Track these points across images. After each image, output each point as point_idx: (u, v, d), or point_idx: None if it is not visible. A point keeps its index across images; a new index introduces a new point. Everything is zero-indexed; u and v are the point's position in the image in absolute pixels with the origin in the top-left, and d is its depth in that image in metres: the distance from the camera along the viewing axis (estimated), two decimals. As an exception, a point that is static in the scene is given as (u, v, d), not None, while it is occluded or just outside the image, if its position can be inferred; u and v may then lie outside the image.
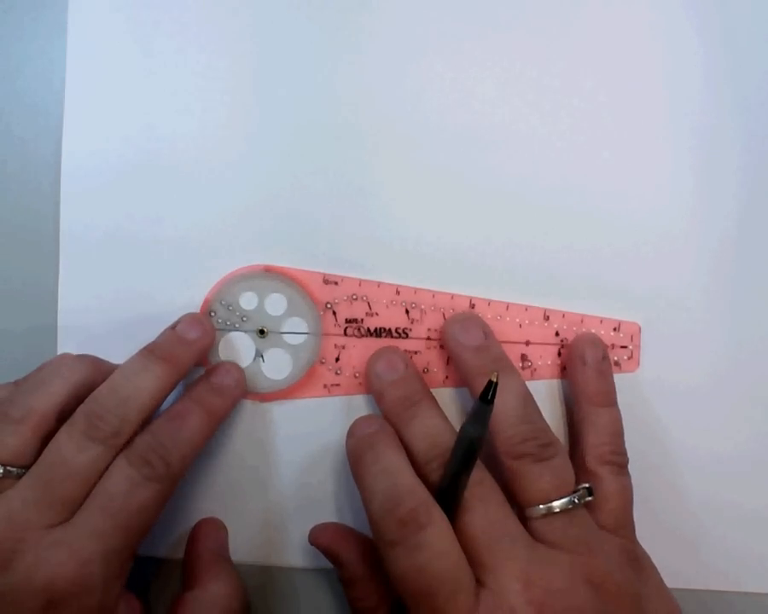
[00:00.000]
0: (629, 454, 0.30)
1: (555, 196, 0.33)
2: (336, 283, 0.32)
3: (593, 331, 0.32)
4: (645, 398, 0.32)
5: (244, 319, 0.32)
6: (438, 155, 0.32)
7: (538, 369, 0.32)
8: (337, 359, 0.32)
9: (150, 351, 0.29)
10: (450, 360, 0.32)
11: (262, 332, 0.32)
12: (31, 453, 0.26)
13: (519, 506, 0.28)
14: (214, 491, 0.32)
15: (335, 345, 0.32)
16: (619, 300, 0.33)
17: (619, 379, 0.31)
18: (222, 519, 0.32)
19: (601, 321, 0.33)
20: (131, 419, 0.27)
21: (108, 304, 0.32)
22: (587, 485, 0.28)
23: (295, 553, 0.32)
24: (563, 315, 0.33)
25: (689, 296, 0.33)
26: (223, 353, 0.32)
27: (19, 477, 0.26)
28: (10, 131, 0.33)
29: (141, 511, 0.26)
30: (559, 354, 0.32)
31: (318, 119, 0.32)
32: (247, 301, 0.32)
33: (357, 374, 0.32)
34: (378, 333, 0.32)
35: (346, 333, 0.32)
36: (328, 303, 0.32)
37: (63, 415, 0.27)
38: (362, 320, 0.32)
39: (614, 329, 0.33)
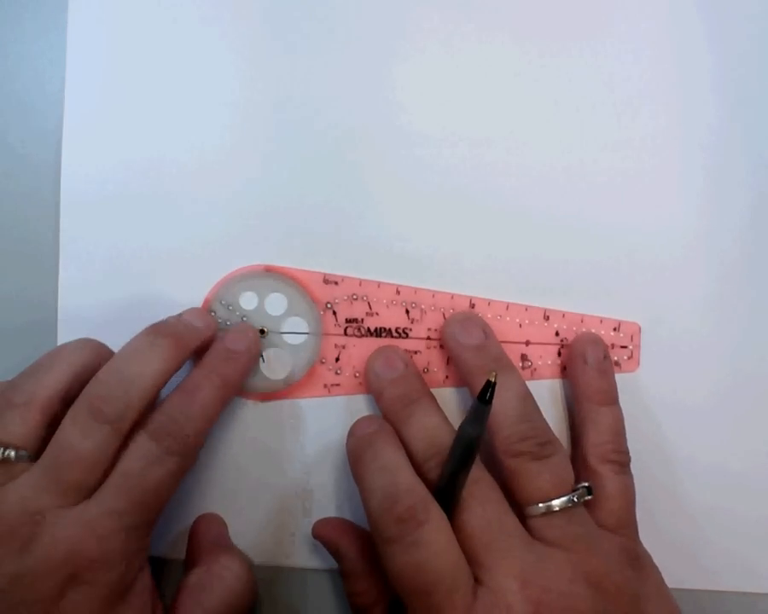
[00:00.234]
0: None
1: (556, 197, 0.32)
2: (336, 283, 0.32)
3: (593, 331, 0.32)
4: (645, 398, 0.32)
5: (244, 319, 0.32)
6: (438, 156, 0.32)
7: (538, 369, 0.32)
8: (337, 359, 0.32)
9: (155, 330, 0.28)
10: (450, 360, 0.32)
11: (262, 332, 0.32)
12: (38, 437, 0.26)
13: (518, 504, 0.28)
14: (214, 491, 0.32)
15: (335, 345, 0.32)
16: (619, 300, 0.33)
17: (619, 379, 0.31)
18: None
19: (601, 321, 0.33)
20: (136, 399, 0.26)
21: (108, 304, 0.32)
22: (586, 484, 0.28)
23: (296, 553, 0.32)
24: (563, 315, 0.33)
25: (689, 296, 0.33)
26: (223, 353, 0.32)
27: (30, 460, 0.26)
28: (8, 132, 0.33)
29: (159, 486, 0.26)
30: (559, 354, 0.32)
31: (318, 120, 0.32)
32: (247, 301, 0.32)
33: (357, 374, 0.32)
34: (378, 332, 0.32)
35: (346, 333, 0.32)
36: (328, 302, 0.32)
37: (68, 399, 0.27)
38: (362, 320, 0.32)
39: (614, 329, 0.33)
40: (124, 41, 0.32)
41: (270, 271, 0.32)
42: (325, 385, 0.32)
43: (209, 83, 0.32)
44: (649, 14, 0.33)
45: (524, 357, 0.32)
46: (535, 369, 0.32)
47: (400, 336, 0.32)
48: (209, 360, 0.29)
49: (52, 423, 0.26)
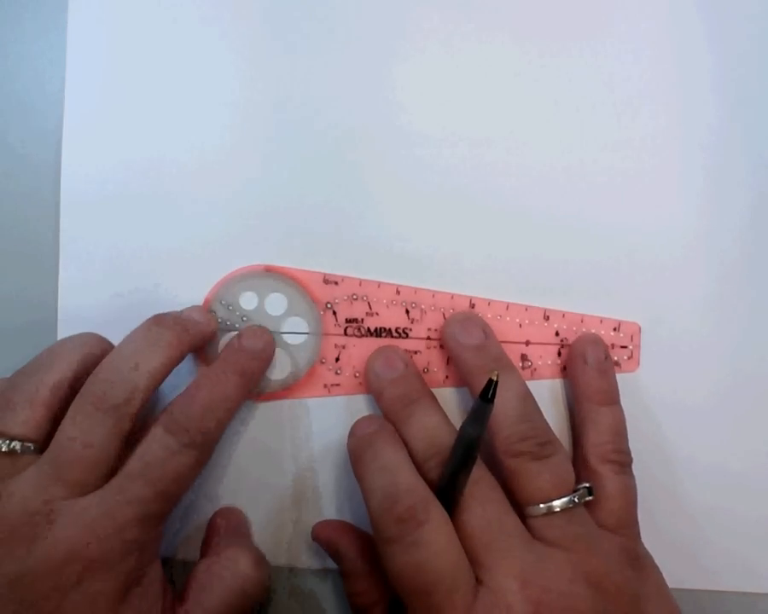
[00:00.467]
0: (628, 454, 0.30)
1: (556, 197, 0.33)
2: (336, 283, 0.32)
3: (593, 331, 0.32)
4: (645, 398, 0.32)
5: (244, 319, 0.32)
6: (438, 156, 0.32)
7: (538, 369, 0.32)
8: (337, 359, 0.32)
9: (157, 321, 0.28)
10: (450, 360, 0.32)
11: (262, 331, 0.32)
12: (43, 430, 0.26)
13: (518, 504, 0.28)
14: (214, 491, 0.32)
15: (335, 345, 0.32)
16: (619, 300, 0.33)
17: (619, 379, 0.31)
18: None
19: (601, 321, 0.33)
20: (142, 386, 0.26)
21: (108, 304, 0.32)
22: (587, 485, 0.28)
23: (297, 553, 0.32)
24: (563, 315, 0.33)
25: (689, 296, 0.33)
26: (223, 353, 0.32)
27: (38, 453, 0.26)
28: (8, 132, 0.33)
29: (178, 477, 0.26)
30: (559, 354, 0.32)
31: (318, 121, 0.32)
32: (247, 301, 0.32)
33: (357, 374, 0.32)
34: (378, 332, 0.32)
35: (346, 333, 0.32)
36: (328, 303, 0.32)
37: (73, 391, 0.27)
38: (362, 320, 0.32)
39: (614, 329, 0.33)
40: (124, 41, 0.32)
41: (270, 271, 0.32)
42: (325, 385, 0.32)
43: (209, 83, 0.32)
44: (649, 14, 0.33)
45: (524, 357, 0.32)
46: (535, 369, 0.32)
47: (400, 336, 0.32)
48: (227, 356, 0.29)
49: (57, 415, 0.26)
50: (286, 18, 0.32)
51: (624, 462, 0.30)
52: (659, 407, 0.33)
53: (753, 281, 0.33)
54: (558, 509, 0.27)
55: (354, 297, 0.32)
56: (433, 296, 0.32)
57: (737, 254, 0.33)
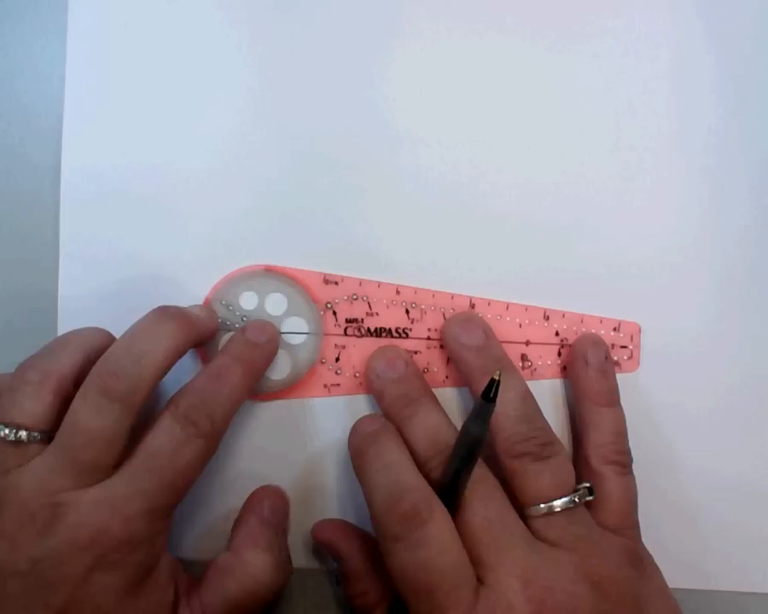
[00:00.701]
0: (628, 453, 0.30)
1: (556, 197, 0.33)
2: (336, 283, 0.32)
3: (593, 331, 0.32)
4: (645, 398, 0.32)
5: (244, 319, 0.32)
6: (438, 157, 0.32)
7: (538, 369, 0.32)
8: (337, 359, 0.32)
9: (162, 311, 0.28)
10: (450, 360, 0.32)
11: (262, 331, 0.32)
12: (50, 418, 0.26)
13: (519, 505, 0.28)
14: (214, 491, 0.32)
15: (335, 345, 0.32)
16: (619, 300, 0.33)
17: (619, 379, 0.31)
18: (221, 520, 0.32)
19: (601, 321, 0.33)
20: (146, 375, 0.26)
21: (108, 304, 0.32)
22: (588, 485, 0.28)
23: (297, 553, 0.32)
24: (563, 315, 0.33)
25: (689, 296, 0.33)
26: (223, 353, 0.32)
27: (44, 442, 0.26)
28: (8, 132, 0.33)
29: (186, 469, 0.26)
30: (559, 354, 0.32)
31: (319, 121, 0.32)
32: (247, 301, 0.32)
33: (357, 374, 0.32)
34: (378, 332, 0.32)
35: (346, 333, 0.32)
36: (328, 303, 0.32)
37: (79, 381, 0.26)
38: (362, 320, 0.32)
39: (614, 329, 0.33)
40: (124, 41, 0.32)
41: (270, 271, 0.32)
42: (325, 385, 0.32)
43: (208, 83, 0.32)
44: (649, 14, 0.33)
45: (524, 357, 0.32)
46: (535, 369, 0.32)
47: (400, 336, 0.32)
48: (233, 347, 0.29)
49: (64, 405, 0.26)
50: (286, 20, 0.32)
51: (625, 463, 0.30)
52: (658, 407, 0.33)
53: (754, 281, 0.33)
54: (559, 509, 0.27)
55: (354, 297, 0.32)
56: (433, 296, 0.32)
57: (737, 254, 0.33)
